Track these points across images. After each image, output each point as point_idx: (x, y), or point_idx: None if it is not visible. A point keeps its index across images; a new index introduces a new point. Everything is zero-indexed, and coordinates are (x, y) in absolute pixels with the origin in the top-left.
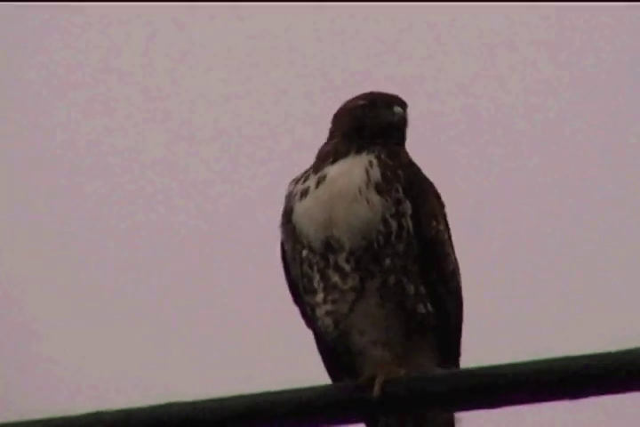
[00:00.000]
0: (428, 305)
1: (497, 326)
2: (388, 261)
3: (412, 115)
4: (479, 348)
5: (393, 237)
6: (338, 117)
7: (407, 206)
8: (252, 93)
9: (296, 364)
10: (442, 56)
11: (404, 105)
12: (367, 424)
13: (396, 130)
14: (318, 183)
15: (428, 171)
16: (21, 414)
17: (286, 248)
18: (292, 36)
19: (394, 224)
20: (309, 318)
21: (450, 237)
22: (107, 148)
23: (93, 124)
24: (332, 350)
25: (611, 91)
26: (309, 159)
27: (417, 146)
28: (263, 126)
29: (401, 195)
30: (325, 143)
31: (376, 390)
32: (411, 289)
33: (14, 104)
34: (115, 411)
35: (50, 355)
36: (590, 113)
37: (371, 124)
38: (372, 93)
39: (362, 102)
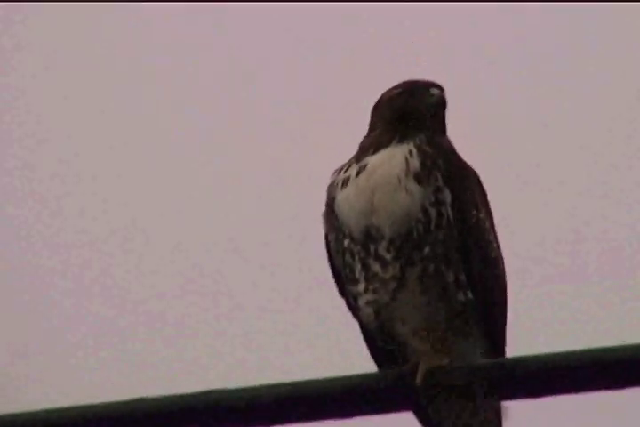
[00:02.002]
0: (469, 293)
1: (543, 316)
2: (427, 250)
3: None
4: (527, 337)
5: (432, 226)
6: (377, 109)
7: (446, 195)
8: None
9: (343, 352)
10: None
11: (440, 88)
12: (413, 412)
13: (436, 114)
14: (359, 173)
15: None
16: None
17: (330, 239)
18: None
19: (433, 213)
20: (354, 308)
21: (492, 224)
22: None
23: None
24: (375, 340)
25: None
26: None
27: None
28: None
29: (440, 183)
30: (367, 135)
31: (419, 378)
32: (451, 277)
33: None
34: (158, 398)
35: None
36: None
37: (410, 111)
38: (407, 81)
39: (398, 90)
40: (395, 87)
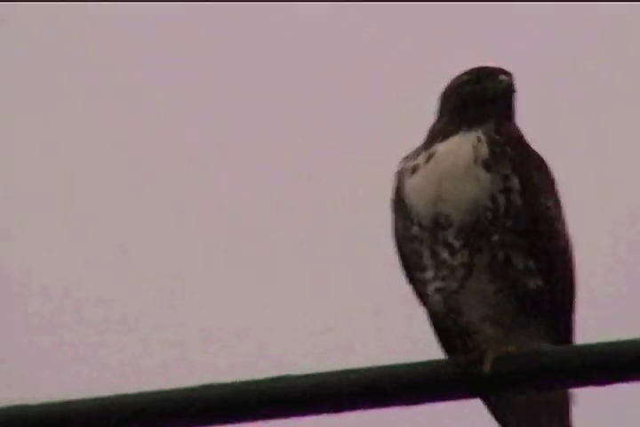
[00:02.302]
0: (539, 280)
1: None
2: (496, 237)
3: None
4: (596, 325)
5: (501, 213)
6: (445, 96)
7: (515, 182)
8: None
9: (412, 339)
10: None
11: (509, 74)
12: (482, 400)
13: (505, 100)
14: (428, 160)
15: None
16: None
17: (397, 226)
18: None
19: (502, 200)
20: (421, 296)
21: (561, 212)
22: None
23: None
24: (444, 327)
25: None
26: None
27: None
28: None
29: (509, 171)
30: (435, 122)
31: (486, 365)
32: (520, 265)
33: None
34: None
35: None
36: None
37: (478, 97)
38: (475, 68)
39: (466, 77)
40: (462, 74)
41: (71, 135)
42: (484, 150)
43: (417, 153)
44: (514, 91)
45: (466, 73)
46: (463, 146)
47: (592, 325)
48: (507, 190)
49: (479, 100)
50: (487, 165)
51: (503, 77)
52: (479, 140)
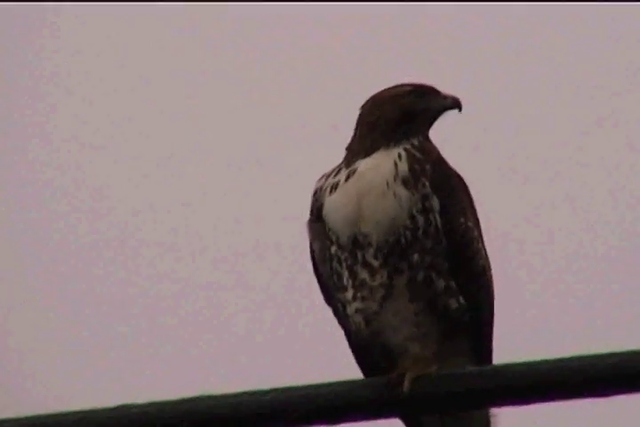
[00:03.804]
0: (461, 299)
1: (528, 323)
2: (416, 257)
3: None
4: (512, 345)
5: (420, 233)
6: (375, 106)
7: (435, 202)
8: None
9: (330, 361)
10: None
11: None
12: (402, 420)
13: (437, 117)
14: (348, 177)
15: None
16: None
17: (314, 247)
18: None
19: (421, 220)
20: (341, 317)
21: (480, 232)
22: None
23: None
24: (364, 348)
25: None
26: None
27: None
28: None
29: (428, 190)
30: (356, 137)
31: (406, 386)
32: (440, 285)
33: None
34: (143, 404)
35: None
36: None
37: (418, 111)
38: (411, 83)
39: (408, 89)
40: (398, 86)
41: None
42: (404, 167)
43: (337, 170)
44: (461, 108)
45: (403, 85)
46: (385, 163)
47: (508, 344)
48: (426, 210)
49: (417, 114)
50: (406, 183)
51: (448, 95)
52: (400, 156)
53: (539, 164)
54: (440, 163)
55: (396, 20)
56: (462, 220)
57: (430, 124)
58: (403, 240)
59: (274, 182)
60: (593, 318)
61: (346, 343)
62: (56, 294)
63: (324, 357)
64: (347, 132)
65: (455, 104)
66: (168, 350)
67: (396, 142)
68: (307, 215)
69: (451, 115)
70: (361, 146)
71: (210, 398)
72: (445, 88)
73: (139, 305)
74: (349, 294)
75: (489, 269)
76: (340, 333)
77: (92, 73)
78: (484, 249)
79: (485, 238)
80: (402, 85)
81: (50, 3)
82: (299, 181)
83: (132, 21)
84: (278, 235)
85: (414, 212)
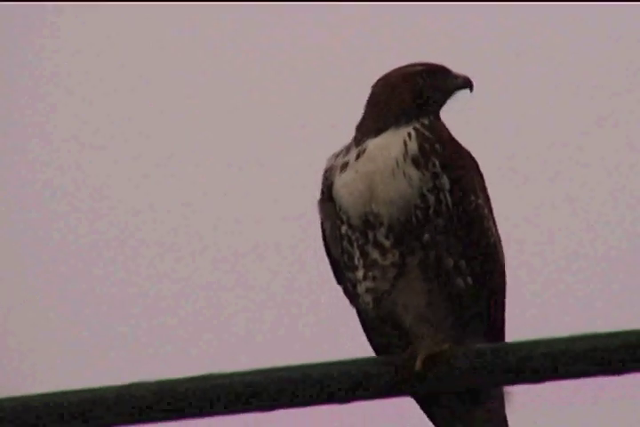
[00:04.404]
0: (469, 279)
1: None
2: (427, 237)
3: None
4: (526, 322)
5: (431, 212)
6: (386, 86)
7: (445, 181)
8: None
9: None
10: None
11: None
12: (414, 399)
13: (449, 97)
14: (358, 156)
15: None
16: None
17: (325, 227)
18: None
19: (432, 199)
20: (352, 296)
21: (490, 210)
22: None
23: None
24: (375, 326)
25: None
26: None
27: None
28: None
29: (438, 169)
30: (365, 117)
31: (418, 364)
32: (450, 264)
33: None
34: (149, 383)
35: None
36: None
37: (431, 90)
38: (423, 62)
39: (420, 68)
40: (409, 66)
41: None
42: (414, 146)
43: (347, 150)
44: (472, 87)
45: (414, 64)
46: (394, 142)
47: (521, 323)
48: (437, 189)
49: (430, 93)
50: (416, 162)
51: (460, 74)
52: (410, 135)
53: (539, 164)
54: (450, 142)
55: (396, 20)
56: (473, 198)
57: (442, 103)
58: (414, 219)
59: (274, 182)
60: (593, 318)
61: (346, 344)
62: (56, 294)
63: (324, 357)
64: (347, 133)
65: (466, 83)
66: (168, 351)
67: (407, 122)
68: (307, 215)
69: (454, 115)
70: (371, 125)
71: (220, 376)
72: None
73: (139, 305)
74: (360, 273)
75: (500, 246)
76: (341, 335)
77: (91, 73)
78: (495, 227)
79: None
80: (413, 65)
81: (50, 3)
82: (299, 181)
83: (132, 21)
84: (278, 235)
85: (425, 191)
